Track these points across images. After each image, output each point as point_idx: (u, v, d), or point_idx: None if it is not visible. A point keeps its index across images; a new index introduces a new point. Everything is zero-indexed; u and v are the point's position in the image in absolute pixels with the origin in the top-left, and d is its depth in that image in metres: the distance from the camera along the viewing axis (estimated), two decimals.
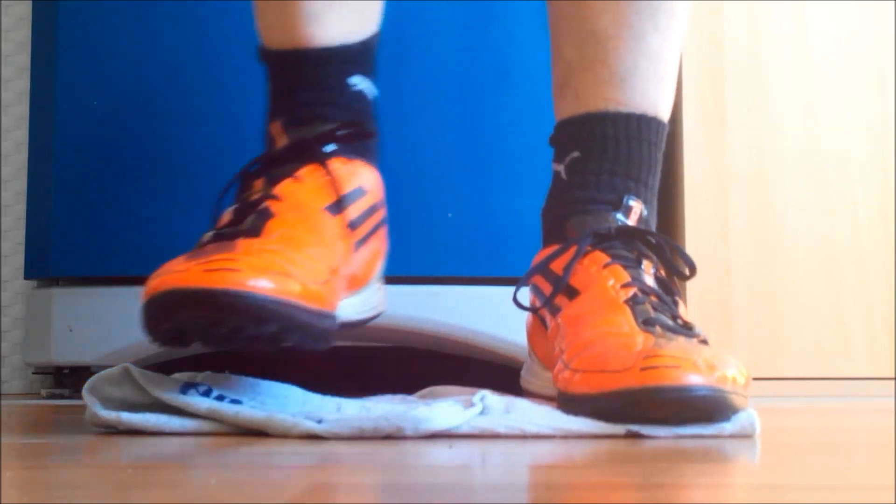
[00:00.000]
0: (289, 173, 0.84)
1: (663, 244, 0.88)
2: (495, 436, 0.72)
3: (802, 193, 1.48)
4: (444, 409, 0.73)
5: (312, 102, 0.88)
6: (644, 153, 0.91)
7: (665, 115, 0.93)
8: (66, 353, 1.26)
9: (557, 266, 0.86)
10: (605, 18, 0.90)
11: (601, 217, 0.88)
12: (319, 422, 0.71)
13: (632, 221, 0.89)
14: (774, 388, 1.43)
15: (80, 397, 0.78)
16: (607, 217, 0.88)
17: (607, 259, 0.84)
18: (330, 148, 0.86)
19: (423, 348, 1.29)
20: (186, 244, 0.82)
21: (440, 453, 0.64)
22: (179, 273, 0.73)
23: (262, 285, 0.72)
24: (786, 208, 1.47)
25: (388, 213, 0.93)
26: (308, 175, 0.84)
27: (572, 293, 0.84)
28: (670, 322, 0.79)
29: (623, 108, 0.90)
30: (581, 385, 0.76)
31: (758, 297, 1.46)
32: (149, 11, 1.31)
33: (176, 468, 0.59)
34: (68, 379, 1.31)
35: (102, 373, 0.76)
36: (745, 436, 0.74)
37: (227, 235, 0.79)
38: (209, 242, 0.79)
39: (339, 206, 0.84)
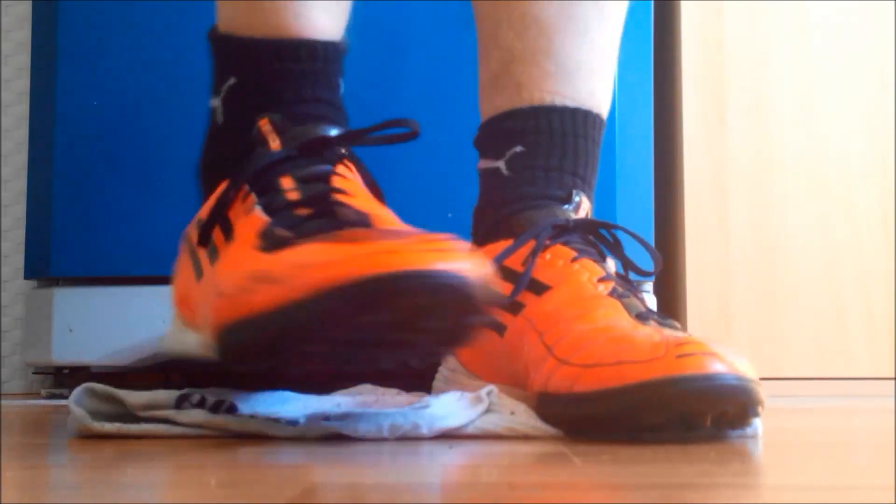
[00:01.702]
0: (328, 171, 0.75)
1: (618, 238, 0.84)
2: (498, 437, 0.71)
3: (802, 193, 1.48)
4: (453, 404, 0.73)
5: (315, 100, 0.80)
6: (588, 150, 0.89)
7: (605, 111, 0.91)
8: (66, 354, 1.26)
9: (514, 262, 0.80)
10: (551, 9, 0.87)
11: (551, 212, 0.83)
12: (327, 419, 0.71)
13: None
14: (774, 388, 1.43)
15: None
16: (557, 212, 0.83)
17: (573, 253, 0.80)
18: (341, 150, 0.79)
19: None
20: None
21: (440, 453, 0.64)
22: (373, 256, 0.61)
23: (470, 269, 0.63)
24: (786, 208, 1.47)
25: None
26: (349, 172, 0.77)
27: (540, 289, 0.79)
28: (658, 316, 0.76)
29: (570, 103, 0.87)
30: (594, 380, 0.69)
31: (758, 296, 1.46)
32: (149, 11, 1.31)
33: (175, 468, 0.59)
34: (68, 379, 1.31)
35: (86, 385, 0.74)
36: (748, 436, 0.74)
37: (338, 225, 0.68)
38: (319, 231, 0.67)
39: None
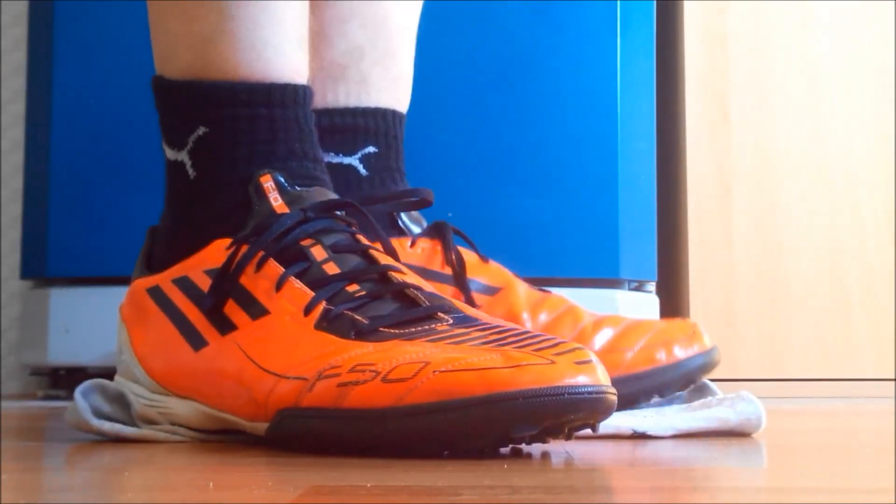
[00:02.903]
0: (361, 243, 0.71)
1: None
2: None
3: (806, 192, 1.47)
4: None
5: (307, 155, 0.74)
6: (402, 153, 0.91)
7: None
8: (62, 354, 1.26)
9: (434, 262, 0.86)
10: (398, 12, 0.89)
11: (412, 216, 0.87)
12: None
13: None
14: (778, 389, 1.43)
15: None
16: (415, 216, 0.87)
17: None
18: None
19: None
20: None
21: (440, 454, 0.64)
22: (520, 369, 0.58)
23: (608, 386, 0.61)
24: (789, 207, 1.47)
25: None
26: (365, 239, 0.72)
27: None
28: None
29: (403, 110, 0.91)
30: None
31: (761, 297, 1.46)
32: (146, 10, 1.30)
33: (173, 470, 0.58)
34: (64, 380, 1.30)
35: (97, 381, 0.74)
36: (751, 429, 0.74)
37: (423, 312, 0.65)
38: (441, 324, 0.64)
39: None
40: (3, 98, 1.59)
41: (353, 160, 0.87)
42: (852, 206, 1.47)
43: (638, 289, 1.35)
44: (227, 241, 0.71)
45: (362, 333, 0.64)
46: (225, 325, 0.69)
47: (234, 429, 0.69)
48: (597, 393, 0.59)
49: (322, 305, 0.66)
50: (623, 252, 1.32)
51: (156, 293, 0.73)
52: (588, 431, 0.61)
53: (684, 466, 0.61)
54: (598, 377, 0.59)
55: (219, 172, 0.73)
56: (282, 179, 0.72)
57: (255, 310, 0.68)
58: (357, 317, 0.65)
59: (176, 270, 0.73)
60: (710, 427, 0.74)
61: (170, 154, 0.76)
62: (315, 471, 0.56)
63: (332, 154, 0.86)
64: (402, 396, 0.60)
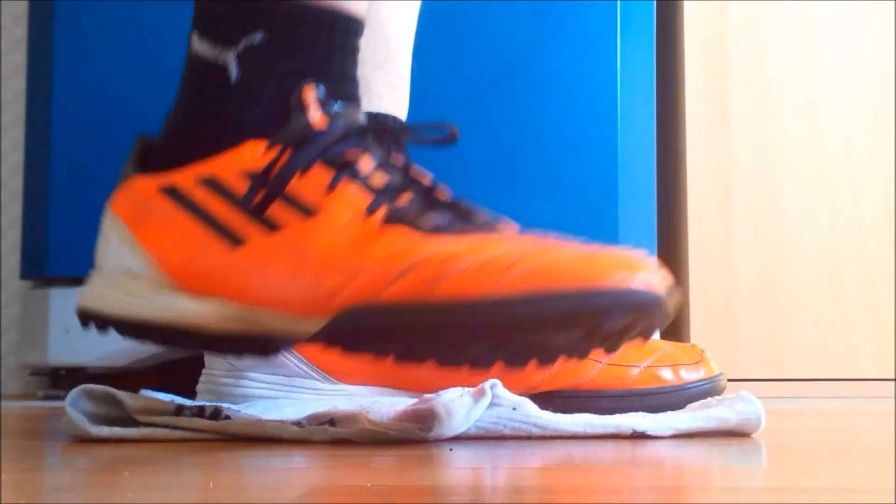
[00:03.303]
0: (406, 160, 0.74)
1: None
2: (500, 437, 0.71)
3: (806, 192, 1.47)
4: (456, 402, 0.72)
5: (354, 80, 0.76)
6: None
7: None
8: (62, 354, 1.26)
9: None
10: (397, 16, 0.89)
11: None
12: (332, 423, 0.70)
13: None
14: (778, 389, 1.43)
15: None
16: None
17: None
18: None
19: None
20: None
21: (440, 455, 0.64)
22: (589, 265, 0.64)
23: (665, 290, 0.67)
24: (789, 207, 1.47)
25: None
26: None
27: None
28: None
29: (403, 117, 0.91)
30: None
31: (761, 297, 1.46)
32: (146, 9, 1.30)
33: (173, 471, 0.58)
34: (64, 380, 1.30)
35: (83, 387, 0.73)
36: (751, 429, 0.74)
37: (484, 224, 0.69)
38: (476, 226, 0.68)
39: None
40: (4, 98, 1.59)
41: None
42: (852, 206, 1.47)
43: None
44: (261, 143, 0.71)
45: (440, 229, 0.67)
46: (269, 225, 0.70)
47: (254, 331, 0.69)
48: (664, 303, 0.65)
49: (385, 206, 0.69)
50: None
51: (173, 192, 0.73)
52: (589, 431, 0.61)
53: (684, 466, 0.61)
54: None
55: (266, 81, 0.73)
56: (322, 94, 0.73)
57: (304, 210, 0.70)
58: (421, 219, 0.68)
59: (200, 170, 0.72)
60: (710, 427, 0.74)
61: (205, 51, 0.74)
62: (315, 471, 0.56)
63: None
64: (496, 286, 0.62)
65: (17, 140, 1.56)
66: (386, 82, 0.87)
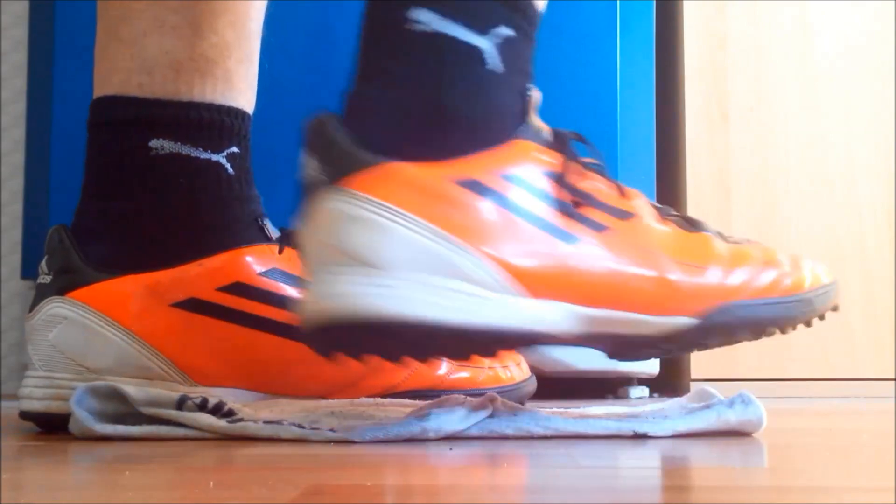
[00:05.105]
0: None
1: None
2: (503, 437, 0.71)
3: (805, 192, 1.47)
4: (456, 412, 0.72)
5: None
6: None
7: None
8: None
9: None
10: (257, 16, 0.87)
11: None
12: (332, 430, 0.70)
13: None
14: (778, 389, 1.42)
15: None
16: None
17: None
18: None
19: None
20: None
21: (440, 455, 0.64)
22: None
23: None
24: (789, 207, 1.47)
25: None
26: None
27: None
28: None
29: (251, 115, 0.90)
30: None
31: None
32: None
33: (174, 470, 0.58)
34: None
35: (87, 385, 0.74)
36: (751, 429, 0.74)
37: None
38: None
39: None
40: (4, 98, 1.59)
41: (220, 158, 0.84)
42: (852, 205, 1.47)
43: None
44: (530, 144, 0.70)
45: (723, 237, 0.76)
46: (594, 225, 0.70)
47: (606, 330, 0.70)
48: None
49: (656, 208, 0.74)
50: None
51: (476, 187, 0.67)
52: (590, 431, 0.61)
53: (684, 466, 0.61)
54: None
55: (512, 75, 0.71)
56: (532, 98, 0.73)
57: (617, 212, 0.72)
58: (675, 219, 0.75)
59: (492, 163, 0.68)
60: (710, 427, 0.74)
61: (459, 33, 0.69)
62: (315, 471, 0.56)
63: (200, 150, 0.83)
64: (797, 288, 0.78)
65: (18, 140, 1.56)
66: (245, 78, 0.85)
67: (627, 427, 0.72)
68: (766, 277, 0.75)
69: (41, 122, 1.33)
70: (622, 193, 0.73)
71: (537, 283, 0.67)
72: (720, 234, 0.77)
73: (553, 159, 0.71)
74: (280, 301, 0.81)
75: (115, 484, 0.53)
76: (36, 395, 0.79)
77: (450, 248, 0.65)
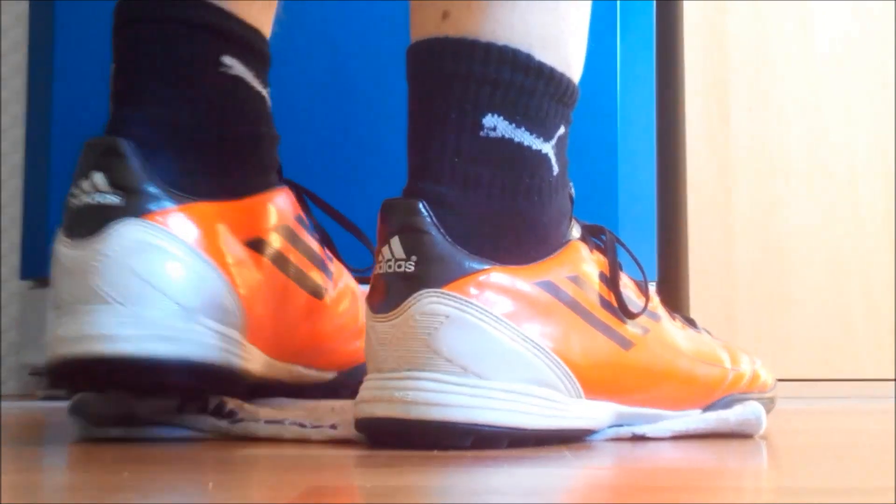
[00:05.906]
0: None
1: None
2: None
3: (806, 191, 1.47)
4: None
5: None
6: None
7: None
8: None
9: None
10: None
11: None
12: (333, 427, 0.70)
13: None
14: (778, 389, 1.42)
15: None
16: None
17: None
18: None
19: None
20: None
21: (440, 455, 0.64)
22: None
23: None
24: (790, 206, 1.47)
25: None
26: None
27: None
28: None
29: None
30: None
31: (762, 296, 1.46)
32: None
33: (173, 470, 0.58)
34: None
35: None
36: (751, 430, 0.74)
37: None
38: None
39: None
40: (3, 98, 1.59)
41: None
42: (852, 206, 1.47)
43: None
44: (578, 243, 0.72)
45: (709, 334, 0.83)
46: (642, 329, 0.73)
47: (626, 421, 0.73)
48: None
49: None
50: (623, 252, 1.32)
51: (548, 286, 0.69)
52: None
53: (684, 466, 0.61)
54: None
55: (565, 174, 0.73)
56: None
57: (651, 315, 0.75)
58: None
59: (557, 264, 0.70)
60: (709, 428, 0.74)
61: (531, 142, 0.70)
62: (315, 471, 0.56)
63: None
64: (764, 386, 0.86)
65: (17, 140, 1.56)
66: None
67: (626, 430, 0.72)
68: (749, 373, 0.83)
69: (41, 123, 1.33)
70: (641, 291, 0.75)
71: (596, 383, 0.70)
72: (707, 332, 0.83)
73: (599, 258, 0.73)
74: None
75: (114, 485, 0.53)
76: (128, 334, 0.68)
77: (535, 354, 0.67)
